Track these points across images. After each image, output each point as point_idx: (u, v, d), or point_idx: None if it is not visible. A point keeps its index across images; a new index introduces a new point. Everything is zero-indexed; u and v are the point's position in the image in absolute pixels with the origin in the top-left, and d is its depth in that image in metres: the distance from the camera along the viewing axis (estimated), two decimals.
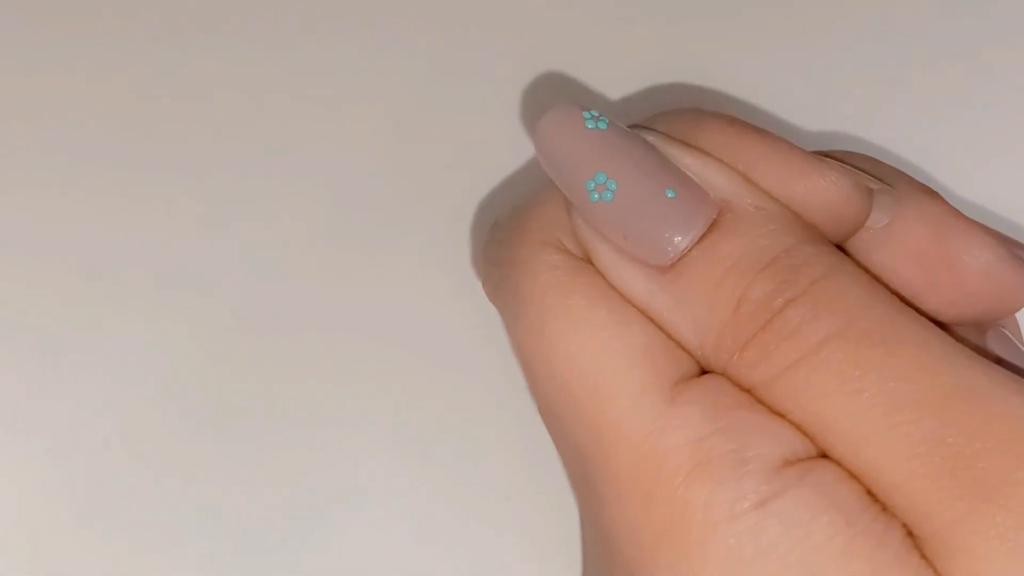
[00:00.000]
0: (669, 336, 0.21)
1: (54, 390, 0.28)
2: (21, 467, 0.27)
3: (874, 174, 0.23)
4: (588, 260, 0.22)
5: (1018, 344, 0.25)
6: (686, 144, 0.22)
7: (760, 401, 0.20)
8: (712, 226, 0.21)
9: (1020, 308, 0.24)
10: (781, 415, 0.20)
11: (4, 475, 0.27)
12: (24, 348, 0.28)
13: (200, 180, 0.29)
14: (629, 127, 0.22)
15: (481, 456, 0.28)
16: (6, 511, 0.27)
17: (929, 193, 0.23)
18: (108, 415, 0.28)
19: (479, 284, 0.25)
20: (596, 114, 0.22)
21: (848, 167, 0.23)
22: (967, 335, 0.23)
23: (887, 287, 0.22)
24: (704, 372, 0.21)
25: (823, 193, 0.22)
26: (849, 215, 0.22)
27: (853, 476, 0.20)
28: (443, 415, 0.28)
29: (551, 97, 0.29)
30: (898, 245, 0.23)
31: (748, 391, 0.21)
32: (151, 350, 0.28)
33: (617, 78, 0.29)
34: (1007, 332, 0.25)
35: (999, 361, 0.23)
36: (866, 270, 0.22)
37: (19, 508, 0.27)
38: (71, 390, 0.28)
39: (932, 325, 0.20)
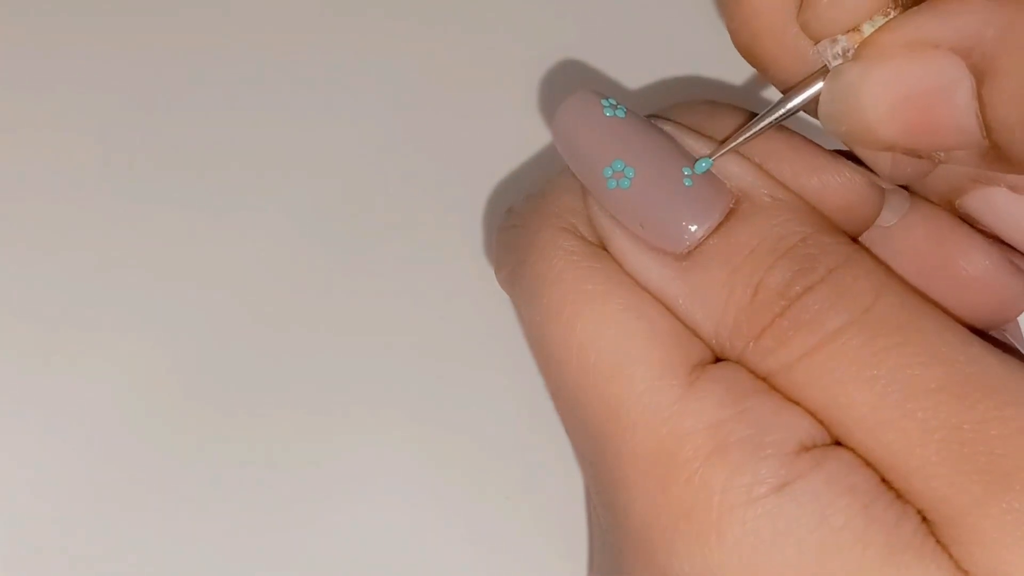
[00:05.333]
0: (684, 323, 0.21)
1: (55, 388, 0.28)
2: (19, 467, 0.27)
3: None
4: (604, 247, 0.22)
5: (1019, 347, 0.25)
6: (703, 134, 0.22)
7: (775, 388, 0.21)
8: (728, 215, 0.21)
9: (1016, 316, 0.24)
10: (796, 402, 0.20)
11: (4, 474, 0.27)
12: (23, 348, 0.28)
13: (211, 171, 0.29)
14: (646, 117, 0.23)
15: (481, 455, 0.27)
16: (6, 510, 0.27)
17: (928, 200, 0.24)
18: (120, 403, 0.27)
19: (492, 274, 0.25)
20: (614, 102, 0.22)
21: (862, 165, 0.23)
22: None
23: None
24: (718, 360, 0.21)
25: (837, 188, 0.22)
26: (861, 212, 0.23)
27: (868, 463, 0.20)
28: (444, 413, 0.28)
29: (568, 86, 0.29)
30: (898, 247, 0.23)
31: (763, 379, 0.21)
32: (168, 340, 0.28)
33: (634, 69, 0.29)
34: (1008, 336, 0.25)
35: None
36: None
37: (18, 507, 0.27)
38: (73, 386, 0.28)
39: (947, 316, 0.21)
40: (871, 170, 0.23)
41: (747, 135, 0.22)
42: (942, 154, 0.20)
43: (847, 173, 0.22)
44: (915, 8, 0.19)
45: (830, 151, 0.23)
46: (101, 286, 0.28)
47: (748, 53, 0.22)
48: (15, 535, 0.27)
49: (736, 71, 0.29)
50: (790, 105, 0.21)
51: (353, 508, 0.27)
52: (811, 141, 0.23)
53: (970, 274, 0.23)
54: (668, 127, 0.22)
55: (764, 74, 0.22)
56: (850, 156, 0.23)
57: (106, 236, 0.29)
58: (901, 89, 0.19)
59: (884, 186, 0.23)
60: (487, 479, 0.27)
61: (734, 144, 0.22)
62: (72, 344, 0.28)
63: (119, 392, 0.27)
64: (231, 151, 0.29)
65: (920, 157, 0.20)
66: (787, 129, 0.23)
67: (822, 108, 0.21)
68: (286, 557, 0.27)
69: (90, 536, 0.27)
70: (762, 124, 0.21)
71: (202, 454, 0.27)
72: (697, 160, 0.22)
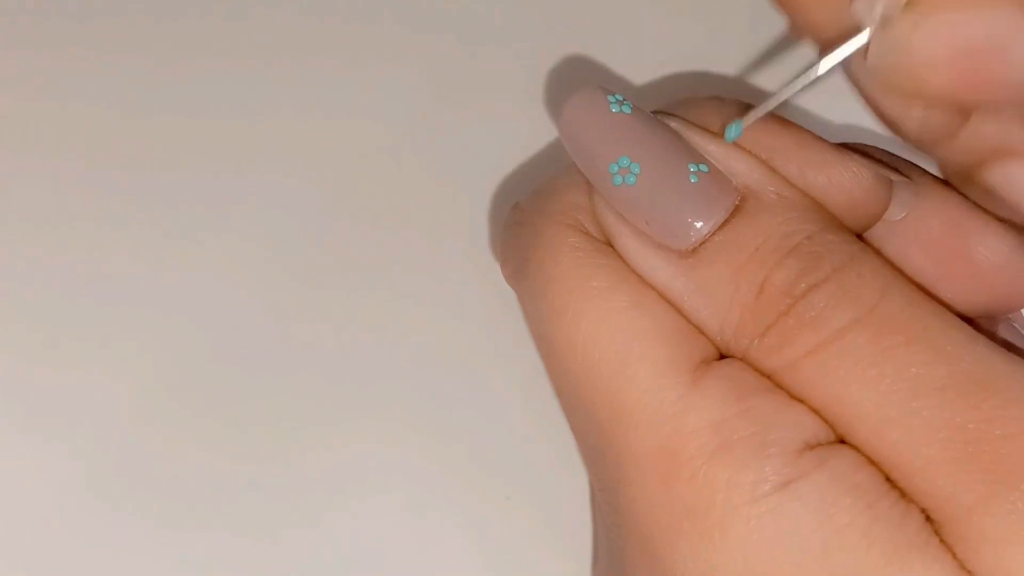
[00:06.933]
0: (689, 320, 0.21)
1: (54, 389, 0.28)
2: (20, 467, 0.27)
3: (892, 167, 0.24)
4: (609, 243, 0.22)
5: None
6: (709, 131, 0.22)
7: (780, 386, 0.21)
8: (734, 212, 0.21)
9: None
10: (801, 400, 0.20)
11: (4, 476, 0.27)
12: (23, 348, 0.28)
13: (212, 171, 0.29)
14: (652, 113, 0.23)
15: (482, 455, 0.28)
16: (6, 511, 0.27)
17: (944, 186, 0.24)
18: (119, 402, 0.28)
19: (497, 271, 0.25)
20: (621, 98, 0.22)
21: (869, 159, 0.23)
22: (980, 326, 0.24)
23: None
24: (723, 357, 0.21)
25: (844, 184, 0.22)
26: (869, 206, 0.23)
27: (872, 462, 0.20)
28: (447, 412, 0.28)
29: (574, 81, 0.29)
30: (912, 236, 0.23)
31: (768, 376, 0.21)
32: (168, 339, 0.28)
33: (640, 65, 0.29)
34: (1016, 325, 0.25)
35: (1011, 351, 0.23)
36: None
37: (18, 508, 0.27)
38: (72, 387, 0.28)
39: (952, 314, 0.21)
40: (884, 158, 0.23)
41: (780, 99, 0.21)
42: (991, 107, 0.20)
43: (854, 168, 0.22)
44: None
45: (836, 146, 0.23)
46: (101, 286, 0.28)
47: (785, 8, 0.21)
48: (15, 535, 0.27)
49: (742, 67, 0.29)
50: (826, 66, 0.21)
51: (353, 507, 0.27)
52: (818, 136, 0.23)
53: (988, 260, 0.23)
54: (674, 123, 0.22)
55: (799, 34, 0.22)
56: (857, 151, 0.23)
57: (106, 236, 0.29)
58: (956, 40, 0.19)
59: (892, 179, 0.23)
60: (487, 479, 0.27)
61: (767, 108, 0.21)
62: (72, 344, 0.28)
63: (118, 392, 0.28)
64: (232, 151, 0.29)
65: (968, 109, 0.20)
66: (793, 124, 0.23)
67: (870, 59, 0.20)
68: (286, 556, 0.27)
69: (90, 536, 0.27)
70: (796, 87, 0.21)
71: (201, 454, 0.27)
72: (728, 125, 0.21)
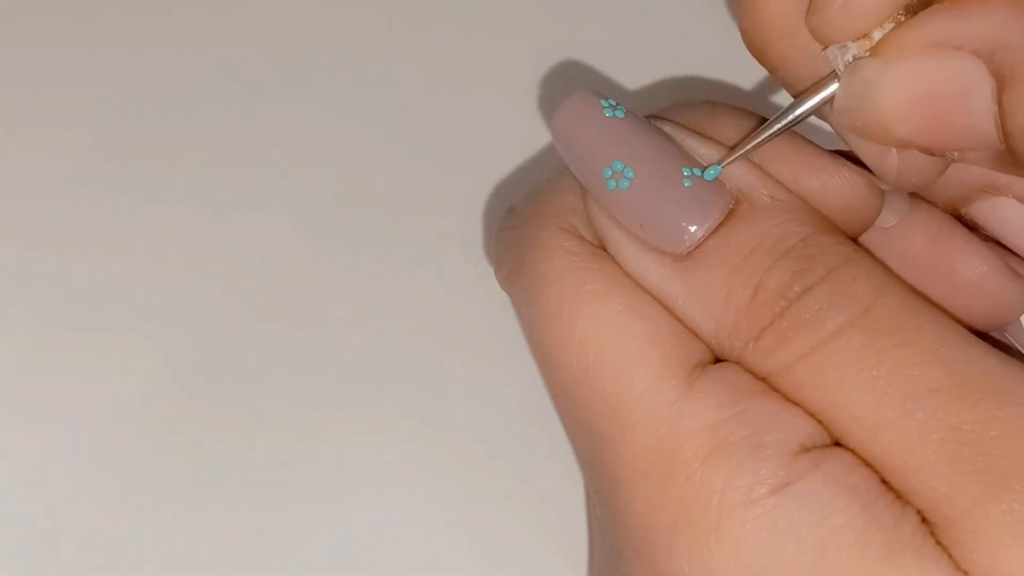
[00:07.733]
0: (684, 324, 0.21)
1: (55, 388, 0.28)
2: (20, 467, 0.27)
3: None
4: (603, 247, 0.22)
5: (1020, 348, 0.25)
6: (702, 135, 0.22)
7: (775, 389, 0.21)
8: (728, 216, 0.21)
9: (1012, 321, 0.24)
10: (796, 403, 0.20)
11: (5, 475, 0.27)
12: (23, 348, 0.28)
13: (211, 171, 0.29)
14: (646, 117, 0.23)
15: (481, 455, 0.28)
16: (8, 510, 0.27)
17: (928, 202, 0.24)
18: (119, 402, 0.28)
19: (491, 274, 0.25)
20: (614, 103, 0.22)
21: (862, 165, 0.23)
22: None
23: None
24: (718, 360, 0.21)
25: (837, 188, 0.22)
26: (861, 212, 0.23)
27: (867, 464, 0.20)
28: (444, 413, 0.28)
29: (568, 86, 0.29)
30: (896, 249, 0.23)
31: (763, 379, 0.21)
32: (168, 339, 0.28)
33: (634, 69, 0.29)
34: (1009, 337, 0.25)
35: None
36: None
37: (19, 507, 0.27)
38: (73, 386, 0.28)
39: (946, 316, 0.21)
40: (873, 173, 0.23)
41: (757, 141, 0.21)
42: (955, 154, 0.20)
43: (847, 174, 0.22)
44: (937, 7, 0.19)
45: (830, 152, 0.23)
46: (101, 286, 0.28)
47: (759, 55, 0.22)
48: (15, 535, 0.27)
49: (735, 71, 0.29)
50: (801, 110, 0.21)
51: (353, 508, 0.27)
52: (811, 141, 0.23)
53: (966, 277, 0.23)
54: (667, 127, 0.22)
55: (775, 76, 0.22)
56: (850, 157, 0.23)
57: (106, 236, 0.29)
58: (919, 88, 0.19)
59: (884, 187, 0.23)
60: (487, 479, 0.27)
61: (744, 151, 0.22)
62: (72, 344, 0.28)
63: (118, 391, 0.28)
64: (231, 151, 0.29)
65: (933, 155, 0.20)
66: (787, 129, 0.23)
67: (837, 103, 0.20)
68: (285, 556, 0.27)
69: (90, 536, 0.27)
70: (772, 130, 0.21)
71: (200, 453, 0.27)
72: (707, 167, 0.22)
